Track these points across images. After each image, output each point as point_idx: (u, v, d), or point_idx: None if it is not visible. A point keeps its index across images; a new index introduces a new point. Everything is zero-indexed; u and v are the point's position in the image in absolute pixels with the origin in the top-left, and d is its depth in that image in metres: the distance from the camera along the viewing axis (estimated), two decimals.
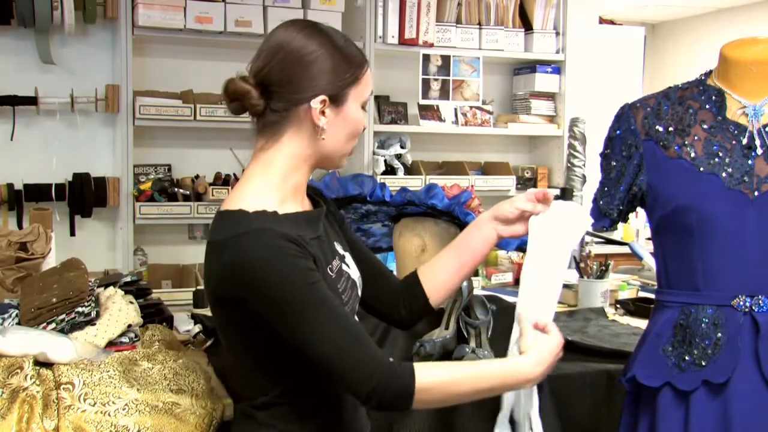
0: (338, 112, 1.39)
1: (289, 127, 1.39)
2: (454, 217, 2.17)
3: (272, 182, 1.39)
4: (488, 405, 1.98)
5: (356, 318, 1.43)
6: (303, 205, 1.45)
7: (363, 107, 1.45)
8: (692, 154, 1.64)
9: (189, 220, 3.55)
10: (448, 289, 1.63)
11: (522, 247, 2.26)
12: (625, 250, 3.62)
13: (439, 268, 1.61)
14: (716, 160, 1.62)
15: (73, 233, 3.41)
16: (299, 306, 1.27)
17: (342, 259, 1.47)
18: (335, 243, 1.48)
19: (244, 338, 1.37)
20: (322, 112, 1.37)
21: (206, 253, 1.37)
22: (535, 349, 1.41)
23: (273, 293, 1.27)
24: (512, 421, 1.66)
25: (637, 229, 4.32)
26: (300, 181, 1.43)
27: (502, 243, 1.90)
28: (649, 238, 1.74)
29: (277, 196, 1.38)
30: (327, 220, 1.50)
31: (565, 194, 3.88)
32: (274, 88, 1.37)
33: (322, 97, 1.37)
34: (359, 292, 1.52)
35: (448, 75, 3.84)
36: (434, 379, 1.31)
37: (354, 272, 1.50)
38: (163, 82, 3.53)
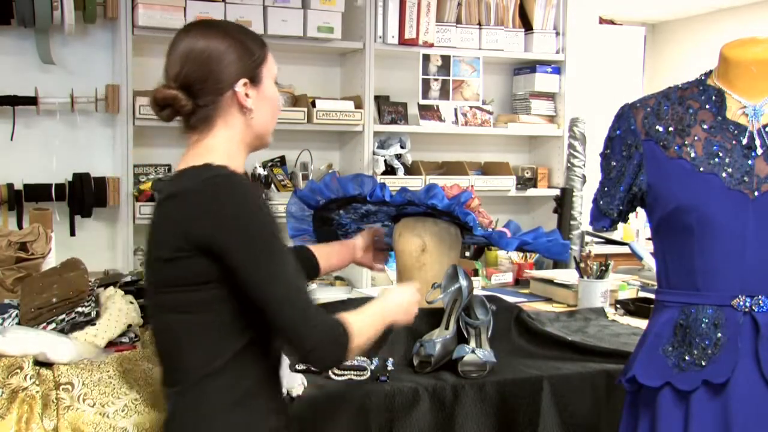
0: (259, 91, 1.51)
1: (218, 116, 1.49)
2: (454, 217, 2.15)
3: (224, 157, 1.47)
4: (488, 405, 1.98)
5: None
6: None
7: (275, 83, 1.57)
8: (692, 154, 1.64)
9: None
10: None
11: (522, 248, 2.26)
12: (625, 250, 3.62)
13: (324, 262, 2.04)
14: (716, 160, 1.62)
15: (73, 233, 3.41)
16: (266, 253, 1.37)
17: None
18: None
19: (201, 290, 1.40)
20: (246, 94, 1.49)
21: (165, 207, 1.44)
22: (402, 292, 1.71)
23: (245, 236, 1.37)
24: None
25: (637, 229, 4.32)
26: (241, 165, 1.52)
27: (501, 243, 2.18)
28: (649, 238, 1.74)
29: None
30: None
31: (565, 194, 3.87)
32: (197, 86, 1.47)
33: (244, 80, 1.48)
34: None
35: (448, 75, 3.84)
36: (358, 327, 1.47)
37: None
38: None
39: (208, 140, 1.49)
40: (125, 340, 1.93)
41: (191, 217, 1.38)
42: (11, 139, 3.35)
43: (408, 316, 1.69)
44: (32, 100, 3.31)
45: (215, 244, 1.37)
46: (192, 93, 1.47)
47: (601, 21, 5.09)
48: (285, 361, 1.95)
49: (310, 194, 2.21)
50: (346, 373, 1.96)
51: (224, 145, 1.49)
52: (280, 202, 3.43)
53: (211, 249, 1.37)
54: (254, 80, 1.50)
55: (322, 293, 3.26)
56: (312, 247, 2.04)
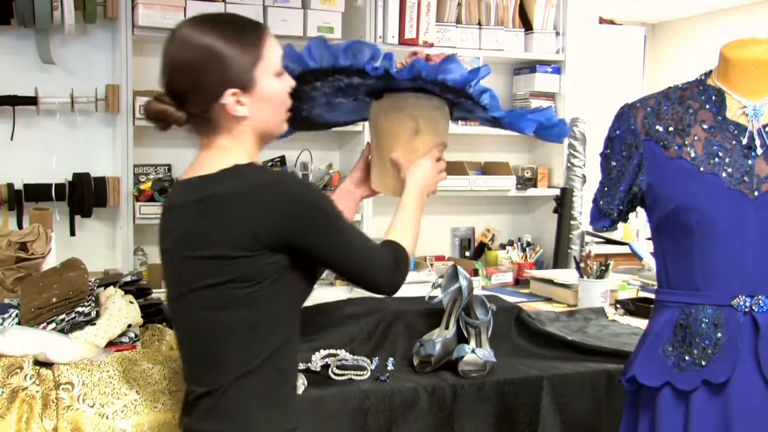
0: (254, 95, 1.45)
1: (217, 121, 1.46)
2: (453, 92, 1.76)
3: (243, 157, 1.47)
4: (488, 405, 1.98)
5: None
6: None
7: (280, 74, 1.50)
8: (692, 154, 1.64)
9: None
10: None
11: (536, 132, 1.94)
12: (625, 250, 3.62)
13: None
14: (716, 160, 1.62)
15: (73, 233, 3.41)
16: (342, 227, 1.49)
17: None
18: None
19: (255, 289, 1.42)
20: (238, 102, 1.44)
21: (205, 208, 1.42)
22: (416, 173, 1.76)
23: (323, 220, 1.45)
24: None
25: (637, 229, 4.32)
26: (257, 156, 1.53)
27: (521, 125, 1.83)
28: (649, 238, 1.74)
29: None
30: None
31: (565, 194, 3.87)
32: (187, 96, 1.44)
33: (232, 90, 1.43)
34: None
35: None
36: (410, 241, 1.65)
37: None
38: None
39: (218, 140, 1.48)
40: (125, 340, 1.92)
41: (260, 216, 1.39)
42: (11, 139, 3.35)
43: (433, 187, 1.79)
44: (32, 100, 3.31)
45: (290, 236, 1.41)
46: (183, 102, 1.44)
47: (601, 21, 5.08)
48: None
49: (285, 60, 1.68)
50: (346, 373, 1.96)
51: (236, 144, 1.48)
52: None
53: (283, 244, 1.41)
54: (247, 86, 1.44)
55: (322, 293, 3.25)
56: None
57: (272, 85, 1.48)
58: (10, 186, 3.31)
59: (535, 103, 4.11)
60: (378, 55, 1.73)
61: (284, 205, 1.41)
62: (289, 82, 1.53)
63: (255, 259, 1.40)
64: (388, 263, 1.56)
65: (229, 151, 1.46)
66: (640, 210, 1.78)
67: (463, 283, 2.13)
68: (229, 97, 1.43)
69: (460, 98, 1.78)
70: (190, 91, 1.43)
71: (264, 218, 1.40)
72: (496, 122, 1.84)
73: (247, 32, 1.46)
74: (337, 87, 1.83)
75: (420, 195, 1.74)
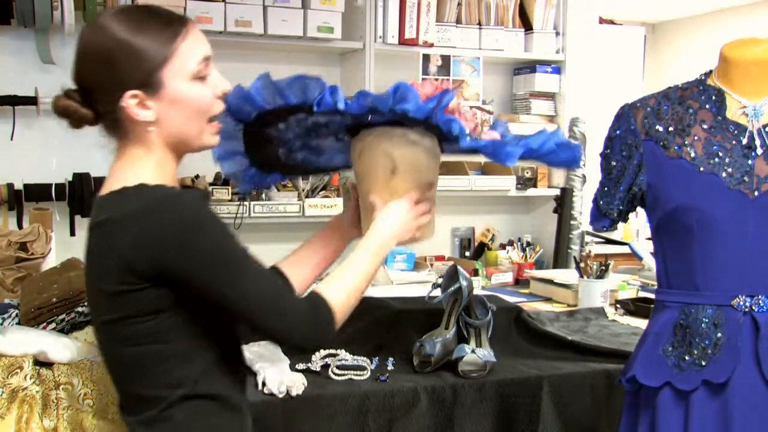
0: (162, 99, 1.30)
1: (126, 126, 1.33)
2: (431, 125, 1.58)
3: (153, 170, 1.33)
4: (488, 405, 1.98)
5: None
6: None
7: (201, 77, 1.33)
8: (692, 154, 1.64)
9: None
10: (310, 282, 1.69)
11: (526, 157, 1.76)
12: (625, 250, 3.62)
13: (302, 263, 1.68)
14: (716, 160, 1.62)
15: (73, 233, 3.40)
16: (230, 258, 1.27)
17: None
18: None
19: (151, 321, 1.28)
20: (142, 105, 1.30)
21: (100, 234, 1.29)
22: (386, 218, 1.55)
23: (204, 247, 1.25)
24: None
25: (637, 229, 4.31)
26: (173, 170, 1.37)
27: (501, 155, 1.65)
28: (649, 238, 1.74)
29: (162, 181, 1.33)
30: None
31: (565, 194, 3.87)
32: (94, 94, 1.32)
33: (132, 92, 1.29)
34: None
35: (448, 75, 3.83)
36: (341, 296, 1.39)
37: None
38: None
39: (129, 148, 1.34)
40: None
41: (135, 247, 1.24)
42: (11, 139, 3.34)
43: (409, 234, 1.57)
44: (32, 100, 3.31)
45: (169, 270, 1.25)
46: (91, 98, 1.32)
47: (601, 21, 5.08)
48: (285, 361, 1.96)
49: (239, 102, 1.58)
50: (346, 373, 1.96)
51: (148, 154, 1.33)
52: (280, 202, 3.44)
53: (164, 277, 1.25)
54: (151, 87, 1.29)
55: None
56: (286, 262, 1.67)
57: (185, 88, 1.31)
58: (10, 186, 3.30)
59: (535, 103, 4.11)
60: (325, 90, 1.53)
61: (164, 234, 1.24)
62: (215, 88, 1.36)
63: (140, 294, 1.26)
64: (302, 316, 1.32)
65: (139, 163, 1.33)
66: (640, 210, 1.78)
67: (463, 283, 2.13)
68: (129, 99, 1.29)
69: (430, 130, 1.60)
70: (94, 88, 1.31)
71: (142, 248, 1.24)
72: (476, 152, 1.66)
73: (159, 29, 1.30)
74: (306, 127, 1.67)
75: (383, 243, 1.52)
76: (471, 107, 4.32)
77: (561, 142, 1.61)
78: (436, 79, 3.82)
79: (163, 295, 1.27)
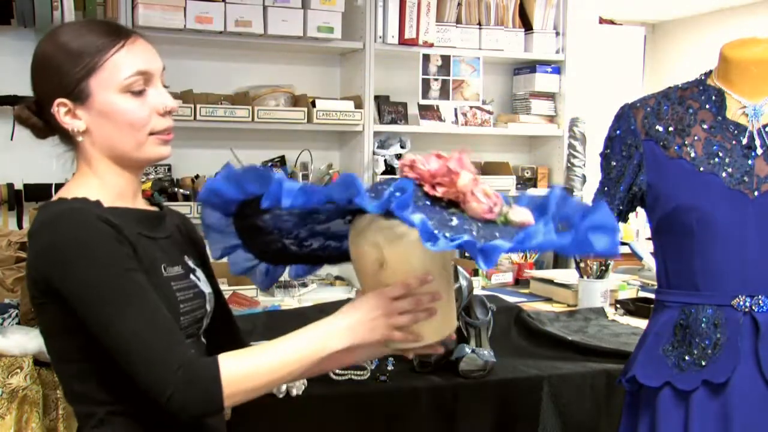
0: (90, 108, 1.28)
1: (67, 134, 1.32)
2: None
3: (92, 183, 1.32)
4: (488, 405, 1.98)
5: (199, 329, 1.37)
6: (140, 206, 1.38)
7: (133, 91, 1.29)
8: (692, 154, 1.64)
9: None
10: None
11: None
12: (625, 250, 3.62)
13: None
14: (716, 160, 1.62)
15: None
16: (107, 290, 1.17)
17: (191, 270, 1.38)
18: (185, 255, 1.40)
19: (64, 338, 1.26)
20: (72, 114, 1.29)
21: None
22: (347, 311, 1.29)
23: (81, 274, 1.18)
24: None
25: (637, 229, 4.31)
26: (120, 182, 1.33)
27: (476, 257, 1.23)
28: (649, 238, 1.74)
29: (101, 194, 1.30)
30: (179, 232, 1.44)
31: None
32: (40, 103, 1.33)
33: (58, 100, 1.28)
34: (209, 308, 1.40)
35: (448, 75, 3.83)
36: (242, 368, 1.19)
37: (205, 287, 1.40)
38: None
39: (79, 161, 1.35)
40: None
41: (34, 266, 1.23)
42: (11, 139, 3.34)
43: (375, 335, 1.28)
44: None
45: (56, 288, 1.20)
46: (41, 109, 1.33)
47: (601, 21, 5.08)
48: None
49: (211, 197, 1.41)
50: (346, 373, 1.96)
51: (89, 167, 1.33)
52: None
53: (53, 294, 1.21)
54: (78, 97, 1.27)
55: (322, 293, 3.26)
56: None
57: (113, 100, 1.28)
58: (10, 186, 3.31)
59: (535, 103, 4.11)
60: (273, 184, 1.28)
61: (50, 250, 1.20)
62: (156, 105, 1.32)
63: (45, 308, 1.25)
64: (174, 372, 1.14)
65: (80, 175, 1.34)
66: (640, 210, 1.78)
67: (463, 283, 2.13)
68: (57, 107, 1.28)
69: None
70: (37, 97, 1.32)
71: (38, 262, 1.23)
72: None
73: (94, 39, 1.28)
74: (299, 215, 1.45)
75: (327, 335, 1.25)
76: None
77: (599, 224, 1.24)
78: (436, 80, 3.82)
79: (60, 312, 1.22)
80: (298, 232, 1.51)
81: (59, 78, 1.27)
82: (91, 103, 1.28)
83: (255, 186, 1.32)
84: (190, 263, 1.40)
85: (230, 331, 1.51)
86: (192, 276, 1.37)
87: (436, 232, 1.18)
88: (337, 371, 1.95)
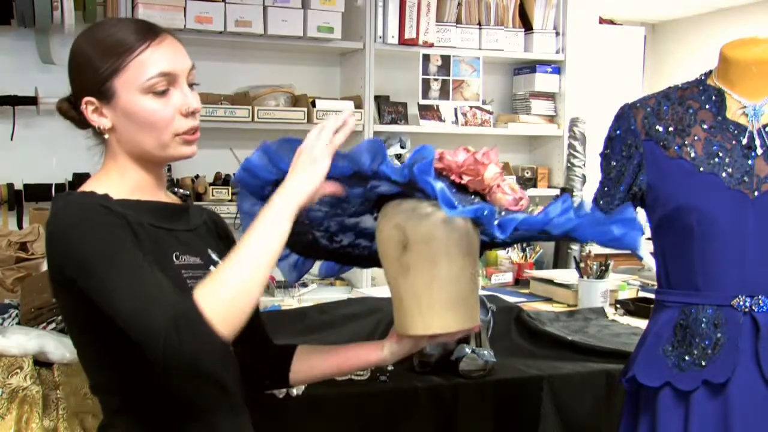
0: (115, 108, 1.30)
1: (96, 130, 1.36)
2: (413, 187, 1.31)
3: (111, 177, 1.35)
4: (488, 405, 1.98)
5: None
6: (160, 199, 1.40)
7: (156, 92, 1.29)
8: (692, 154, 1.64)
9: None
10: (311, 380, 1.56)
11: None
12: (625, 250, 3.62)
13: (317, 361, 1.50)
14: (716, 160, 1.62)
15: None
16: (99, 257, 1.17)
17: (213, 262, 1.37)
18: (209, 248, 1.40)
19: (82, 329, 1.29)
20: (99, 113, 1.32)
21: None
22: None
23: (79, 250, 1.19)
24: None
25: None
26: (141, 177, 1.36)
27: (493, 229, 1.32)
28: (649, 238, 1.74)
29: (117, 187, 1.33)
30: (206, 226, 1.45)
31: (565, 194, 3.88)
32: (74, 98, 1.36)
33: (87, 98, 1.31)
34: None
35: (448, 75, 3.84)
36: (210, 281, 1.16)
37: None
38: None
39: (105, 156, 1.38)
40: None
41: (48, 256, 1.27)
42: (11, 139, 3.35)
43: (318, 164, 1.24)
44: (32, 100, 3.31)
45: (64, 269, 1.22)
46: (75, 103, 1.36)
47: (601, 21, 5.09)
48: None
49: (249, 179, 1.41)
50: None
51: (113, 163, 1.36)
52: None
53: (70, 286, 1.22)
54: (104, 96, 1.30)
55: (322, 293, 3.26)
56: (306, 348, 1.51)
57: (135, 101, 1.29)
58: (10, 186, 3.31)
59: (535, 103, 4.11)
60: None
61: (56, 233, 1.23)
62: (180, 106, 1.31)
63: (61, 296, 1.29)
64: (165, 322, 1.12)
65: (103, 170, 1.37)
66: (640, 210, 1.78)
67: None
68: (85, 105, 1.32)
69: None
70: (72, 92, 1.36)
71: (51, 249, 1.26)
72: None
73: (121, 39, 1.29)
74: (330, 202, 1.45)
75: (281, 208, 1.22)
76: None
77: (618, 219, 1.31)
78: (436, 80, 3.82)
79: (74, 302, 1.24)
80: (328, 224, 1.51)
81: (88, 76, 1.31)
82: (116, 103, 1.30)
83: (286, 160, 1.30)
84: (214, 256, 1.40)
85: (253, 326, 1.43)
86: (212, 267, 1.36)
87: (455, 201, 1.21)
88: None
